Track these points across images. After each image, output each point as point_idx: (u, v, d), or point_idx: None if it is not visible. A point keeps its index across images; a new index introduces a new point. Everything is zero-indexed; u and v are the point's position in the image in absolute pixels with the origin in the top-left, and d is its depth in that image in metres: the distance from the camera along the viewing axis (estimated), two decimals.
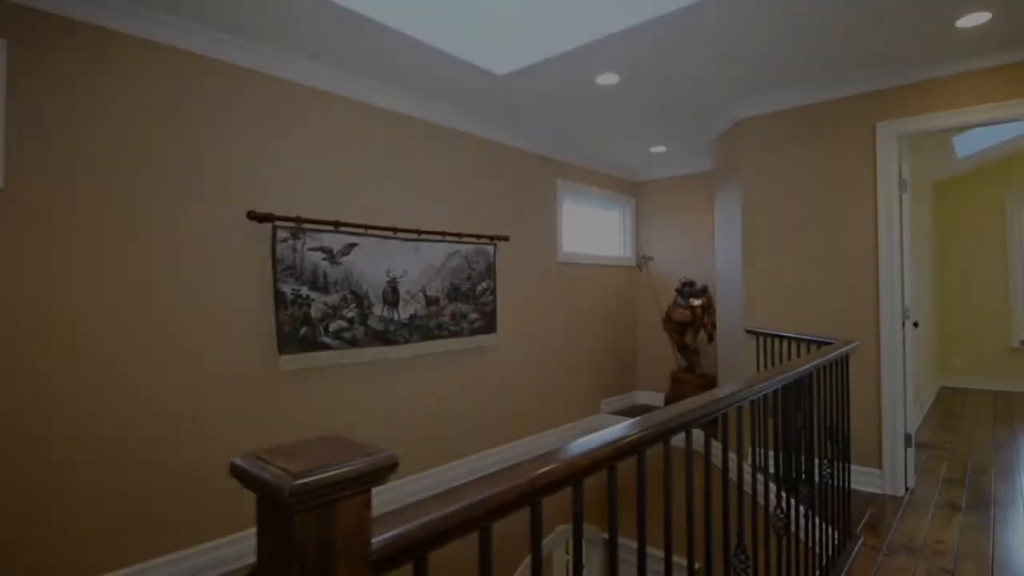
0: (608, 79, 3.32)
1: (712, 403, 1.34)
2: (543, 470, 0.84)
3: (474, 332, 3.94)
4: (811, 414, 2.21)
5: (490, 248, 4.07)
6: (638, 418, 1.18)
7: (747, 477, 3.09)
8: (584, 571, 6.06)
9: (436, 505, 0.67)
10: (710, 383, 5.07)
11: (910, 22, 2.68)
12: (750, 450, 2.99)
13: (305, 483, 0.50)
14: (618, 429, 1.10)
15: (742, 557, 1.50)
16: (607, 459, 1.00)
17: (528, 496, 0.80)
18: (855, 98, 3.38)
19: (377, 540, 0.58)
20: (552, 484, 0.85)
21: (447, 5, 2.94)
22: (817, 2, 2.49)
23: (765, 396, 1.72)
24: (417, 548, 0.63)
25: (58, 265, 2.25)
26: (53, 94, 2.26)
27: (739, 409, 1.57)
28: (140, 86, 2.47)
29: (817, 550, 2.24)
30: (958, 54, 2.99)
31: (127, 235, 2.42)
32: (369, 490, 0.56)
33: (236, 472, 0.55)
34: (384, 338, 3.33)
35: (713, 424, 1.41)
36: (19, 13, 2.20)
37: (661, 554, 4.75)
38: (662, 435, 1.16)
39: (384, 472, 0.57)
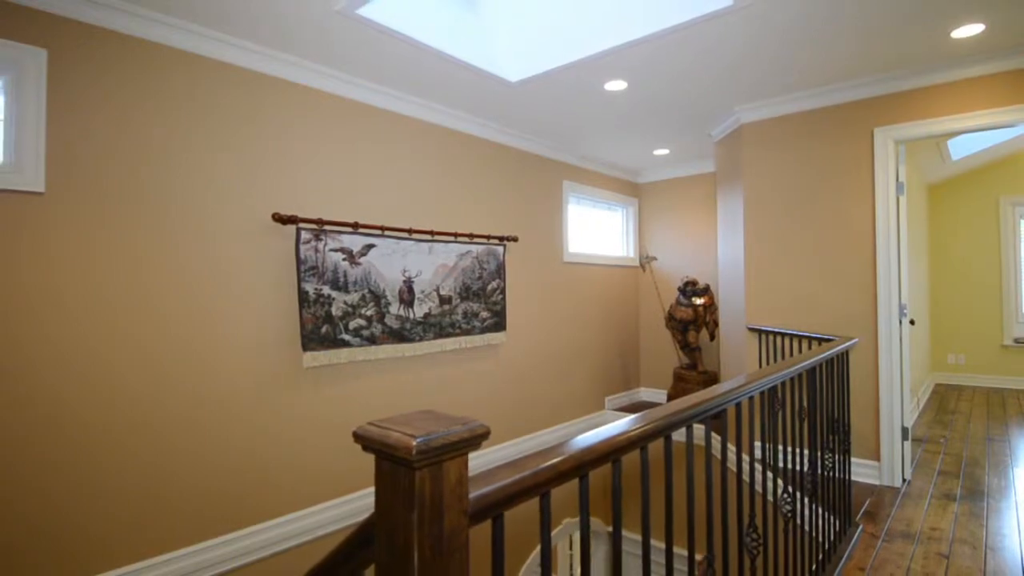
0: (616, 85, 3.44)
1: (729, 392, 1.46)
2: (589, 445, 0.96)
3: (485, 330, 4.05)
4: (813, 408, 2.34)
5: (500, 248, 4.18)
6: (660, 406, 1.30)
7: (749, 471, 3.20)
8: (591, 564, 6.20)
9: (510, 472, 0.79)
10: (712, 380, 5.20)
11: (907, 33, 2.80)
12: (758, 444, 3.12)
13: (426, 443, 0.62)
14: (644, 415, 1.21)
15: (754, 536, 1.62)
16: (639, 440, 1.11)
17: (579, 467, 0.92)
18: (854, 104, 3.51)
19: (472, 496, 0.70)
20: (597, 458, 0.96)
21: (463, 16, 3.05)
22: (818, 14, 2.61)
23: (773, 388, 1.84)
24: (499, 505, 0.75)
25: (95, 265, 2.36)
26: (89, 102, 2.37)
27: (751, 399, 1.69)
28: (172, 94, 2.58)
29: (820, 539, 2.36)
30: (953, 63, 3.12)
31: (159, 236, 2.53)
32: (467, 453, 0.68)
33: (360, 438, 0.67)
34: (400, 336, 3.44)
35: (724, 415, 1.52)
36: (58, 24, 2.30)
37: (664, 545, 4.87)
38: (685, 420, 1.27)
39: (480, 439, 0.68)
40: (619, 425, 1.12)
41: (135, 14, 2.43)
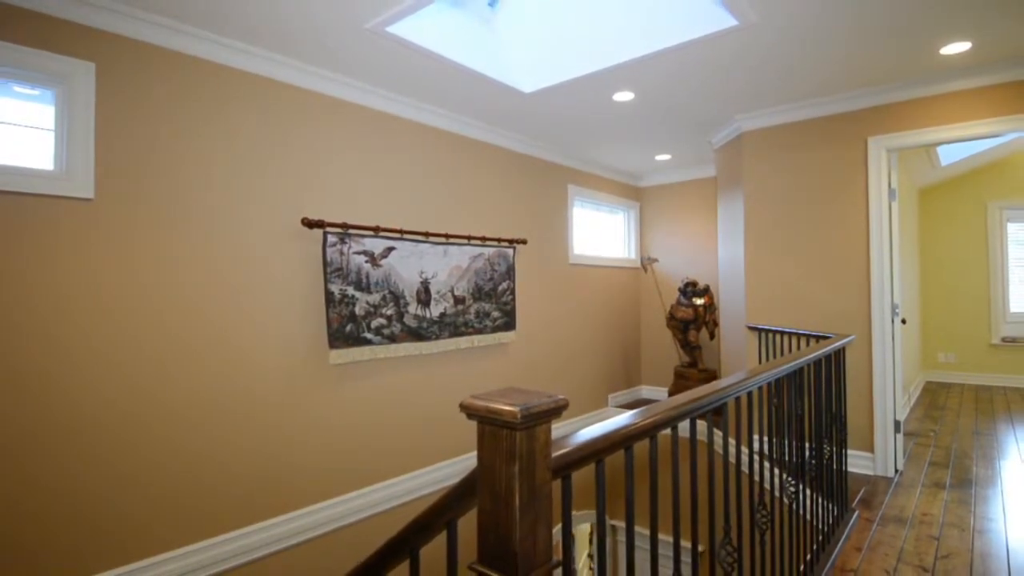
0: (624, 96, 3.61)
1: (742, 382, 1.63)
2: (631, 424, 1.12)
3: (496, 329, 4.21)
4: (812, 402, 2.51)
5: (510, 251, 4.35)
6: (684, 393, 1.46)
7: (748, 461, 3.37)
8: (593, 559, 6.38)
9: (572, 441, 0.95)
10: (712, 377, 5.38)
11: (899, 50, 2.99)
12: (764, 438, 3.30)
13: (526, 411, 0.78)
14: (671, 400, 1.38)
15: (763, 512, 1.79)
16: (672, 419, 1.28)
17: (626, 440, 1.08)
18: (849, 114, 3.70)
19: (554, 456, 0.86)
20: (639, 433, 1.13)
21: (478, 30, 3.21)
22: (817, 31, 2.79)
23: (779, 380, 2.01)
24: (571, 466, 0.91)
25: (138, 266, 2.50)
26: (134, 112, 2.51)
27: (760, 390, 1.86)
28: (210, 105, 2.73)
29: (820, 524, 2.53)
30: (943, 77, 3.32)
31: (197, 239, 2.68)
32: (551, 420, 0.84)
33: (466, 407, 0.83)
34: (418, 334, 3.59)
35: (737, 403, 1.69)
36: (105, 39, 2.44)
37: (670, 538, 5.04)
38: (707, 405, 1.44)
39: (561, 410, 0.84)
40: (651, 408, 1.28)
41: (178, 30, 2.57)
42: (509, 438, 0.79)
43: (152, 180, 2.56)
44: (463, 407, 0.83)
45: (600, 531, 1.10)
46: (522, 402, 0.79)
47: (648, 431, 1.16)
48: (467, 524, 3.38)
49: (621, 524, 5.63)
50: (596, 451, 0.98)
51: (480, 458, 0.84)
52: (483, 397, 0.83)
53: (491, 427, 0.82)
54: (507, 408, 0.78)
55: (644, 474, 5.17)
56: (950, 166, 6.20)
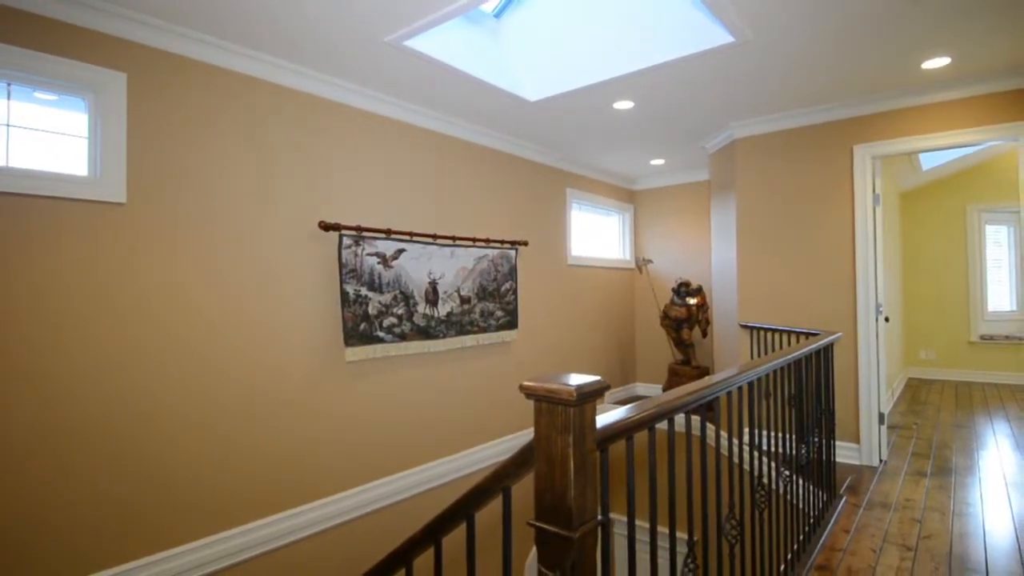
0: (624, 105, 3.78)
1: (742, 373, 1.80)
2: (652, 410, 1.28)
3: (499, 328, 4.37)
4: (802, 395, 2.69)
5: (512, 252, 4.50)
6: (695, 382, 1.62)
7: (748, 451, 3.54)
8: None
9: (608, 420, 1.11)
10: (704, 374, 5.57)
11: (884, 63, 3.19)
12: (761, 431, 3.47)
13: (580, 390, 0.93)
14: (687, 386, 1.54)
15: (761, 492, 1.96)
16: (684, 405, 1.44)
17: (649, 420, 1.24)
18: (836, 123, 3.90)
19: (598, 429, 1.01)
20: (657, 416, 1.28)
21: (485, 41, 3.36)
22: (807, 47, 2.98)
23: (775, 372, 2.18)
24: (609, 439, 1.07)
25: (169, 267, 2.62)
26: (163, 120, 2.63)
27: (759, 380, 2.03)
28: (236, 114, 2.85)
29: (811, 510, 2.71)
30: (924, 89, 3.53)
31: (222, 242, 2.80)
32: (595, 400, 0.99)
33: (527, 389, 0.98)
34: (426, 333, 3.74)
35: (742, 392, 1.85)
36: (135, 50, 2.56)
37: (669, 531, 5.20)
38: (718, 392, 1.60)
39: (603, 391, 1.00)
40: (666, 395, 1.44)
41: (203, 41, 2.70)
42: (564, 413, 0.95)
43: (180, 185, 2.68)
44: (523, 388, 0.99)
45: (630, 500, 1.25)
46: (576, 383, 0.95)
47: (667, 413, 1.32)
48: (492, 510, 3.52)
49: (619, 518, 5.80)
50: (627, 428, 1.13)
51: (537, 431, 0.99)
52: (539, 380, 0.99)
53: (548, 404, 0.97)
54: (564, 388, 0.93)
55: (642, 469, 5.35)
56: (931, 171, 6.46)
